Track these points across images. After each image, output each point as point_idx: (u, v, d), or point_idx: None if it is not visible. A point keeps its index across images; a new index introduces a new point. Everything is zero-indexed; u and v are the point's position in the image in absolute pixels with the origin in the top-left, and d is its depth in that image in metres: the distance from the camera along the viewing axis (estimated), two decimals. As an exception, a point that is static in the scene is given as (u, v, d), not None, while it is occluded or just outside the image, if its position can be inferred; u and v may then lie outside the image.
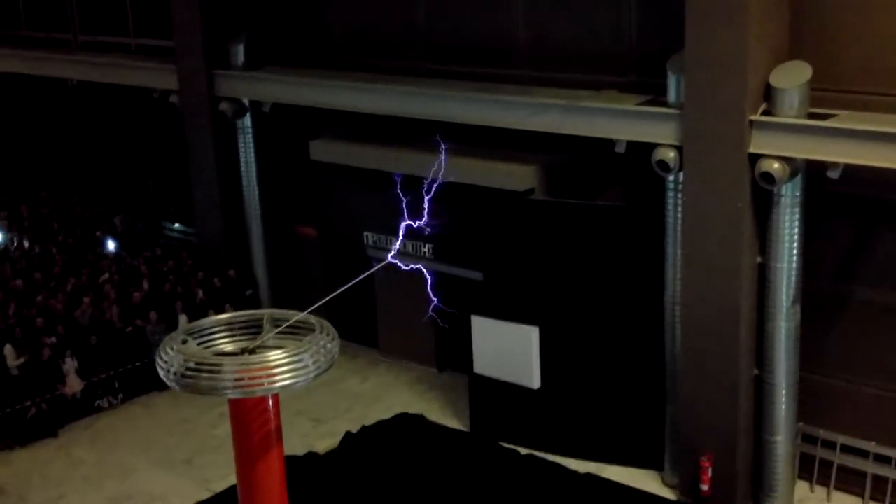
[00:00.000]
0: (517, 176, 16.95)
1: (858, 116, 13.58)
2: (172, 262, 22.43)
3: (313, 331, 11.16)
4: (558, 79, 16.94)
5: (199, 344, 11.14)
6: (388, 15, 19.43)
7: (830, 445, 15.52)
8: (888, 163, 13.07)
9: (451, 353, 19.71)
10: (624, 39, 16.45)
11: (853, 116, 13.61)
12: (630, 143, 15.30)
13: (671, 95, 14.79)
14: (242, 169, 21.61)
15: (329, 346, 11.03)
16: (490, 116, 16.77)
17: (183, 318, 19.70)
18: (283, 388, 10.57)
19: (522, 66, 17.68)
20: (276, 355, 10.61)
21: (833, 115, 13.69)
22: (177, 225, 25.46)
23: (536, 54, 17.52)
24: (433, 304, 13.53)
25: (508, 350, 16.95)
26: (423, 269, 13.61)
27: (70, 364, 18.75)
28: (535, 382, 16.91)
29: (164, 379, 10.76)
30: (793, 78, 13.72)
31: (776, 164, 13.74)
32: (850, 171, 13.52)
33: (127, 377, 19.49)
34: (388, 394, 19.45)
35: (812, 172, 14.09)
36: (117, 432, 18.56)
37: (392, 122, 18.74)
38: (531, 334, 16.69)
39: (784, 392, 14.84)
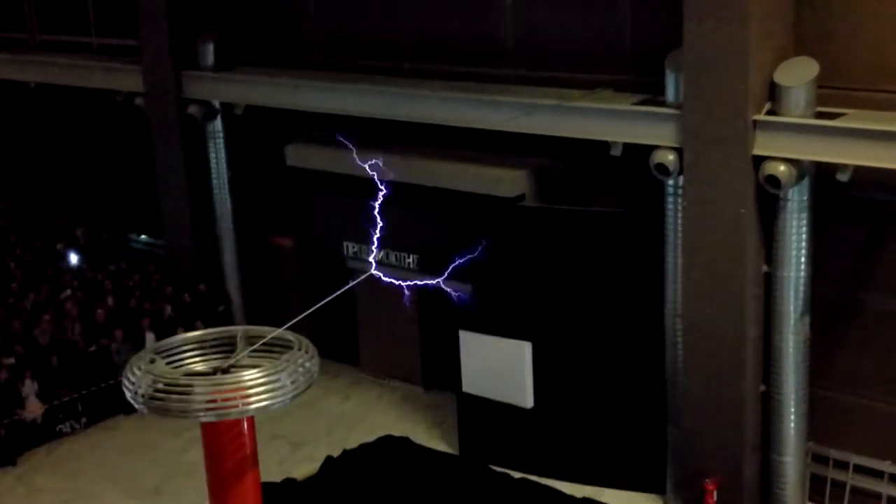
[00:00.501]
0: (506, 181, 16.94)
1: (869, 115, 13.60)
2: (139, 276, 22.35)
3: (291, 348, 11.15)
4: (549, 77, 16.95)
5: (168, 363, 11.14)
6: (368, 11, 19.42)
7: (843, 465, 15.50)
8: (901, 164, 13.11)
9: (439, 371, 19.65)
10: (619, 35, 16.46)
11: (863, 115, 13.62)
12: (626, 146, 15.29)
13: (670, 95, 14.79)
14: (213, 176, 21.54)
15: (308, 364, 11.03)
16: (476, 118, 16.75)
17: (150, 336, 19.59)
18: (258, 410, 10.56)
19: (510, 65, 17.68)
20: (251, 375, 10.60)
21: (842, 115, 13.71)
22: (143, 236, 25.37)
23: (525, 52, 17.51)
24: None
25: (499, 367, 16.91)
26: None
27: (30, 387, 18.60)
28: (528, 401, 16.87)
29: (132, 401, 10.72)
30: (799, 75, 13.74)
31: (782, 167, 13.74)
32: (860, 173, 13.54)
33: (91, 400, 19.36)
34: (372, 415, 19.39)
35: (820, 175, 14.10)
36: (81, 459, 18.42)
37: (373, 125, 18.69)
38: (523, 350, 16.65)
39: (793, 409, 14.84)
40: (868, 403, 15.21)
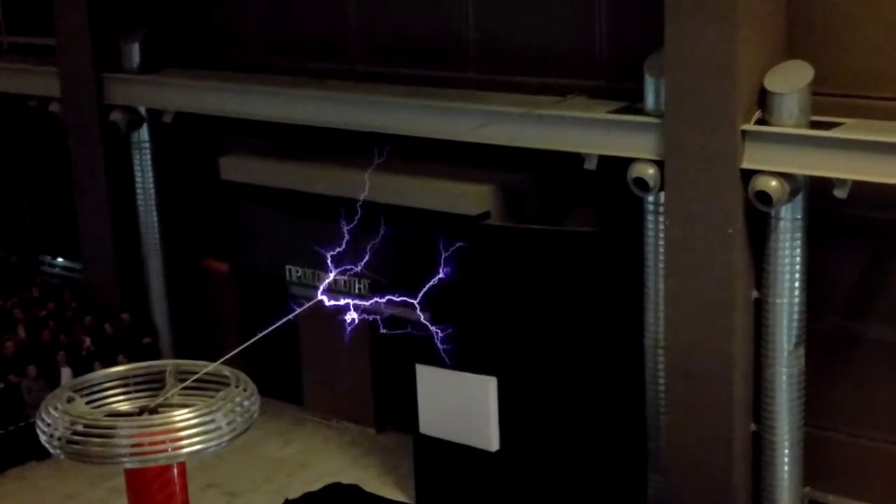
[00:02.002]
0: (469, 197, 17.01)
1: (869, 125, 13.78)
2: (53, 304, 22.18)
3: (227, 385, 11.12)
4: (516, 83, 17.06)
5: (88, 403, 11.09)
6: (314, 7, 19.46)
7: (842, 513, 15.68)
8: (905, 179, 13.31)
9: (393, 410, 19.64)
10: (593, 36, 16.60)
11: (863, 125, 13.81)
12: (602, 159, 15.41)
13: (649, 102, 14.94)
14: (139, 191, 21.46)
15: (246, 403, 11.04)
16: (436, 127, 16.82)
17: (67, 372, 19.46)
18: (191, 454, 10.54)
19: (473, 68, 17.78)
20: (182, 415, 10.58)
21: (839, 124, 13.89)
22: (59, 259, 25.19)
23: (490, 54, 17.62)
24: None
25: (461, 405, 16.92)
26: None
27: (-72, 429, 18.46)
28: (493, 444, 16.89)
29: (46, 445, 10.67)
30: (792, 81, 13.92)
31: (773, 182, 13.90)
32: (860, 189, 13.72)
33: (-2, 444, 19.20)
34: (317, 460, 19.36)
35: (816, 191, 14.28)
36: (-14, 512, 18.26)
37: (319, 135, 18.71)
38: (487, 386, 16.68)
39: (787, 450, 14.97)
40: (870, 444, 15.36)
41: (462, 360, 16.75)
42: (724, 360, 14.70)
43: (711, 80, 14.01)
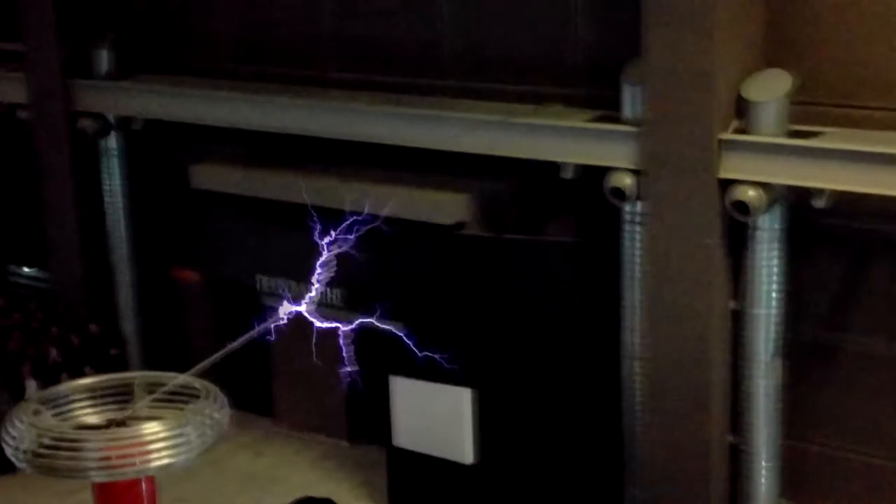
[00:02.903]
0: (445, 207, 17.01)
1: (848, 135, 13.89)
2: (19, 314, 22.11)
3: (197, 397, 11.11)
4: (493, 90, 17.08)
5: (55, 415, 11.06)
6: (287, 13, 19.45)
7: (821, 526, 15.74)
8: (884, 189, 13.38)
9: (366, 422, 19.65)
10: (570, 44, 16.63)
11: (842, 135, 13.91)
12: (579, 168, 15.46)
13: (627, 110, 15.02)
14: (107, 199, 21.41)
15: (216, 415, 11.03)
16: (411, 135, 16.85)
17: (32, 384, 19.40)
18: (160, 468, 10.53)
19: (449, 76, 17.78)
20: (151, 428, 10.56)
21: (818, 133, 13.99)
22: (25, 269, 25.10)
23: (466, 61, 17.64)
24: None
25: (436, 417, 16.93)
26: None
27: None
28: (469, 457, 16.91)
29: (12, 458, 10.65)
30: (770, 89, 14.02)
31: (752, 192, 13.99)
32: (839, 199, 13.82)
33: (-38, 458, 19.06)
34: (288, 473, 19.32)
35: (794, 201, 14.36)
36: (-50, 527, 18.17)
37: (291, 143, 18.70)
38: (463, 398, 16.69)
39: (764, 462, 15.06)
40: (848, 456, 15.40)
41: (437, 371, 16.77)
42: (701, 371, 14.77)
43: (689, 88, 14.09)
